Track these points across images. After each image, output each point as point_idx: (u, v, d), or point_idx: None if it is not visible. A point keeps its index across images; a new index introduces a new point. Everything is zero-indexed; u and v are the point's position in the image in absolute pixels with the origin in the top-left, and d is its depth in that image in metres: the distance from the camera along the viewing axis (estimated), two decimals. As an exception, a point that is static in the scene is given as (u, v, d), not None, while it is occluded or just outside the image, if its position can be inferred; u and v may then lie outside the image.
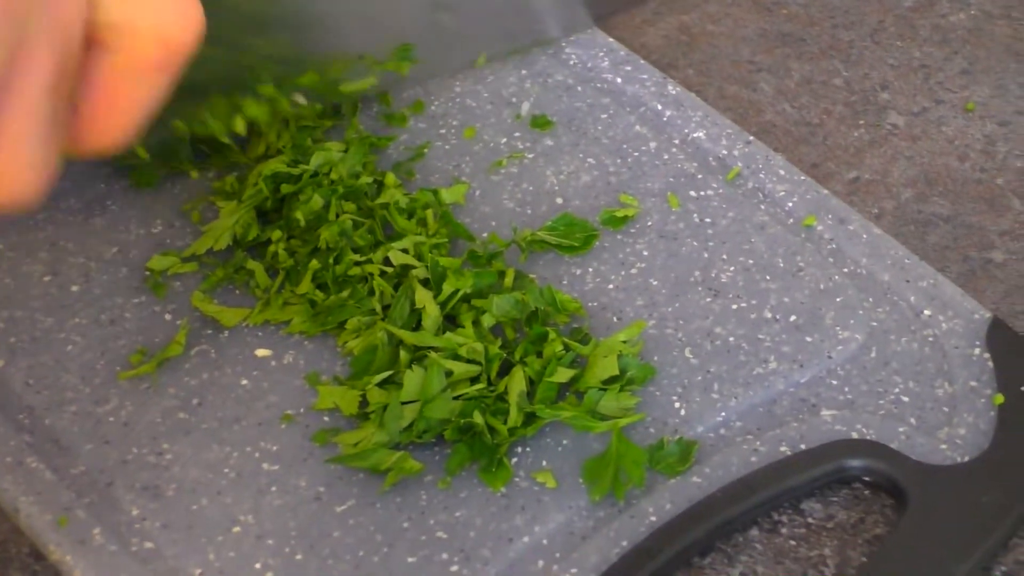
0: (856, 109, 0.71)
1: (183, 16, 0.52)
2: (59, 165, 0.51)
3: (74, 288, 0.62)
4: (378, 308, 0.60)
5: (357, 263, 0.61)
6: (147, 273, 0.63)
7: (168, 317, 0.61)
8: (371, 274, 0.61)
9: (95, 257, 0.63)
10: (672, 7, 0.75)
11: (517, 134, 0.68)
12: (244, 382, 0.59)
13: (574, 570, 0.54)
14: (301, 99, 0.65)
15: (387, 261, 0.61)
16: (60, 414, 0.58)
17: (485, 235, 0.64)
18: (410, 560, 0.54)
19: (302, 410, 0.59)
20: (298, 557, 0.54)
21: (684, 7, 0.76)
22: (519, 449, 0.57)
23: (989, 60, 0.73)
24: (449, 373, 0.57)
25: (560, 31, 0.71)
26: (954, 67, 0.73)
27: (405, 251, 0.61)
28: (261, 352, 0.60)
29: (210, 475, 0.57)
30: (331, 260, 0.61)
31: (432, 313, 0.59)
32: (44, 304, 0.62)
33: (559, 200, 0.65)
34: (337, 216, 0.62)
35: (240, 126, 0.63)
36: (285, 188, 0.62)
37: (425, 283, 0.60)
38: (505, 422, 0.57)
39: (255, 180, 0.63)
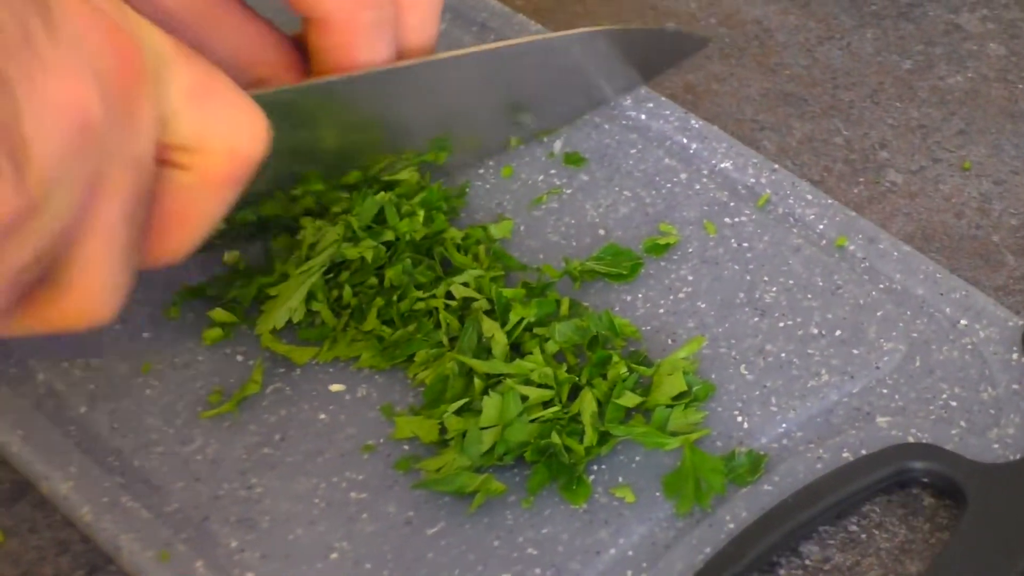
0: (856, 167, 0.74)
1: (251, 129, 0.55)
2: (133, 282, 0.53)
3: (145, 335, 0.64)
4: (445, 340, 0.63)
5: (420, 299, 0.63)
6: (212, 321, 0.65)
7: (240, 358, 0.64)
8: (436, 308, 0.63)
9: (161, 306, 0.65)
10: (677, 67, 0.78)
11: (552, 171, 0.71)
12: (322, 416, 0.62)
13: (662, 578, 0.56)
14: (345, 194, 0.67)
15: (449, 295, 0.64)
16: (148, 455, 0.60)
17: (533, 270, 0.66)
18: (505, 576, 0.57)
19: (381, 440, 0.61)
20: (396, 579, 0.57)
21: (689, 67, 0.79)
22: (594, 467, 0.60)
23: (985, 121, 0.76)
24: (524, 398, 0.60)
25: (613, 94, 0.73)
26: (951, 127, 0.76)
27: (466, 285, 0.64)
28: (335, 387, 0.63)
29: (301, 506, 0.59)
30: (395, 297, 0.63)
31: (501, 342, 0.62)
32: (118, 352, 0.64)
33: (601, 232, 0.68)
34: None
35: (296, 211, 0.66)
36: (348, 251, 0.64)
37: (488, 314, 0.63)
38: (581, 441, 0.59)
39: (309, 252, 0.64)
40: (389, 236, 0.65)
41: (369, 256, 0.63)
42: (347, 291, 0.64)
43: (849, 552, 0.59)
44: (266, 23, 0.64)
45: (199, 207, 0.55)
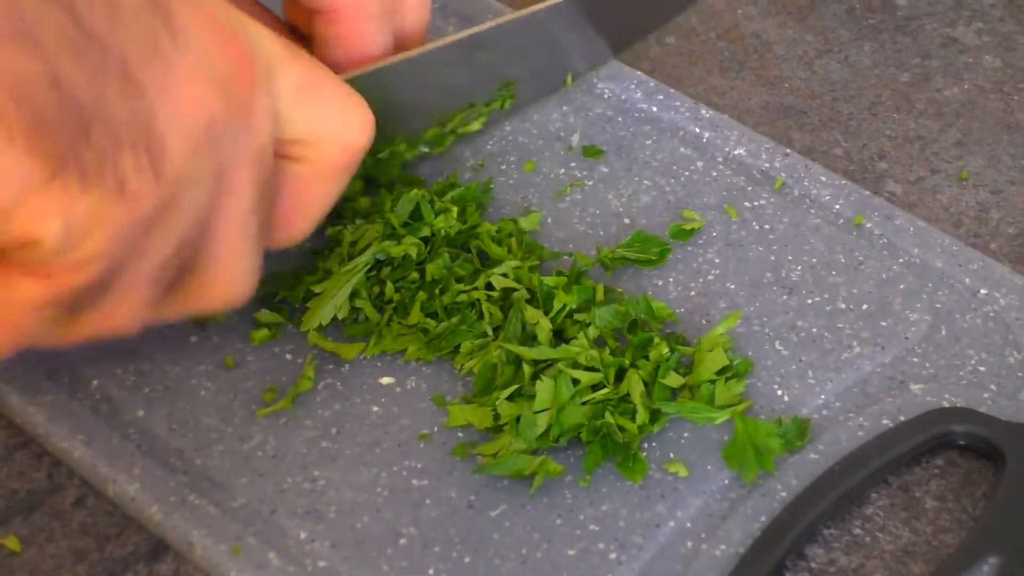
0: (855, 177, 0.75)
1: (359, 120, 0.59)
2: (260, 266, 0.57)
3: (193, 339, 0.66)
4: (489, 330, 0.64)
5: (462, 291, 0.65)
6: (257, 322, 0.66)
7: (288, 356, 0.65)
8: (478, 300, 0.65)
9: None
10: (679, 82, 0.80)
11: (573, 164, 0.73)
12: (375, 408, 0.63)
13: (723, 546, 0.59)
14: (425, 148, 0.70)
15: (489, 286, 0.66)
16: (209, 454, 0.62)
17: (566, 257, 0.68)
18: (571, 552, 0.59)
19: (435, 429, 0.63)
20: (467, 560, 0.58)
21: (691, 81, 0.80)
22: (646, 445, 0.62)
23: (982, 132, 0.77)
24: (576, 381, 0.62)
25: (584, 66, 0.76)
26: (949, 138, 0.77)
27: (505, 276, 0.66)
28: (385, 380, 0.64)
29: (365, 495, 0.60)
30: (437, 291, 0.65)
31: (546, 328, 0.64)
32: (168, 355, 0.65)
33: (626, 220, 0.70)
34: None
35: (388, 173, 0.69)
36: (392, 249, 0.66)
37: (528, 303, 0.65)
38: (633, 420, 0.61)
39: (351, 250, 0.66)
40: (426, 232, 0.66)
41: (412, 253, 0.65)
42: (389, 287, 0.65)
43: (853, 554, 0.60)
44: (269, 11, 0.67)
45: (316, 194, 0.59)
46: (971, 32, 0.83)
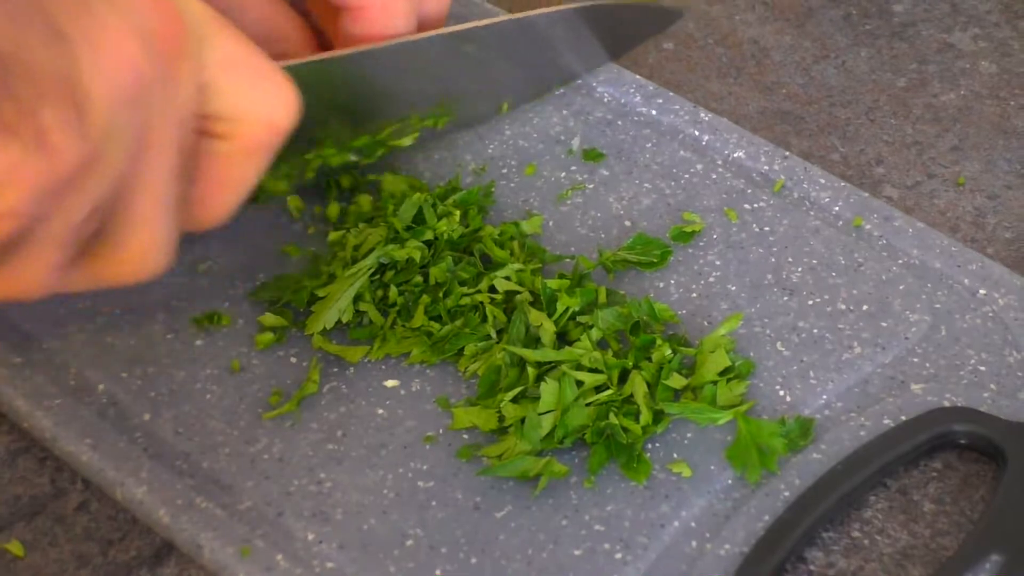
0: (853, 182, 0.75)
1: (284, 100, 0.58)
2: (176, 242, 0.56)
3: (198, 343, 0.66)
4: (493, 333, 0.65)
5: (465, 294, 0.66)
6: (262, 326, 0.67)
7: (293, 360, 0.65)
8: (481, 302, 0.65)
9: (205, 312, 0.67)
10: (677, 87, 0.80)
11: (573, 168, 0.73)
12: (380, 411, 0.64)
13: (727, 546, 0.59)
14: (353, 156, 0.70)
15: (492, 289, 0.66)
16: (215, 457, 0.62)
17: (568, 260, 0.69)
18: (576, 553, 0.59)
19: (440, 431, 0.63)
20: (473, 561, 0.59)
21: (689, 86, 0.81)
22: (649, 446, 0.62)
23: (979, 137, 0.78)
24: (580, 383, 0.62)
25: (582, 68, 0.76)
26: (945, 144, 0.78)
27: (508, 279, 0.66)
28: (390, 383, 0.65)
29: (371, 497, 0.61)
30: (440, 294, 0.66)
31: (549, 331, 0.64)
32: (173, 359, 0.65)
33: (627, 223, 0.71)
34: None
35: (310, 174, 0.69)
36: (397, 252, 0.66)
37: (531, 306, 0.65)
38: (637, 421, 0.62)
39: (355, 254, 0.67)
40: (429, 236, 0.67)
41: (416, 256, 0.65)
42: (393, 291, 0.66)
43: (852, 557, 0.61)
44: (293, 9, 0.67)
45: (237, 173, 0.58)
46: (967, 38, 0.84)
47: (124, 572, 0.61)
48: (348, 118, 0.69)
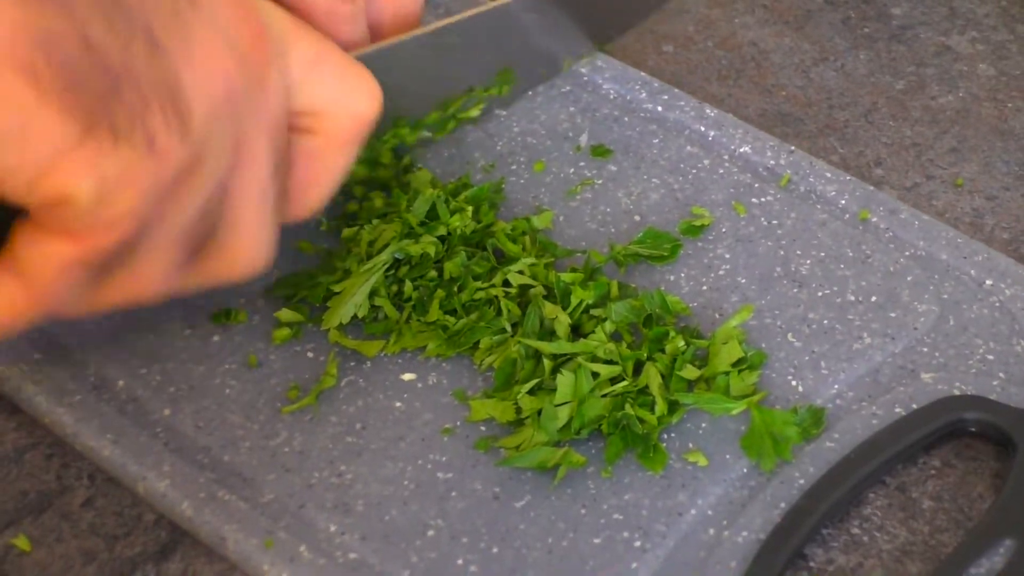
0: None
1: (368, 92, 0.60)
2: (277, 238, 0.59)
3: (215, 339, 0.67)
4: (507, 326, 0.66)
5: (480, 288, 0.66)
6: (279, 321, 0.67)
7: (310, 355, 0.66)
8: (496, 296, 0.66)
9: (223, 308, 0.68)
10: (679, 89, 0.81)
11: (582, 163, 0.74)
12: (397, 404, 0.64)
13: (744, 533, 0.60)
14: (427, 132, 0.72)
15: (506, 283, 0.67)
16: (236, 451, 0.63)
17: (579, 254, 0.69)
18: (596, 541, 0.60)
19: (458, 423, 0.64)
20: (494, 550, 0.59)
21: (689, 89, 0.81)
22: (665, 436, 0.63)
23: (977, 139, 0.79)
24: (595, 375, 0.63)
25: (569, 56, 0.77)
26: (944, 145, 0.79)
27: (521, 273, 0.67)
28: (407, 376, 0.65)
29: (391, 488, 0.61)
30: (455, 289, 0.66)
31: (564, 323, 0.65)
32: (191, 355, 0.66)
33: (636, 218, 0.72)
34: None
35: (387, 156, 0.70)
36: (411, 248, 0.67)
37: (544, 299, 0.66)
38: (653, 412, 0.62)
39: (369, 249, 0.67)
40: (443, 231, 0.68)
41: (431, 251, 0.66)
42: (408, 285, 0.66)
43: (852, 554, 0.62)
44: None
45: (327, 166, 0.61)
46: (965, 41, 0.85)
47: (130, 568, 0.61)
48: (419, 97, 0.71)
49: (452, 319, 0.66)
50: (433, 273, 0.66)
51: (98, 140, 0.49)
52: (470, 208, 0.69)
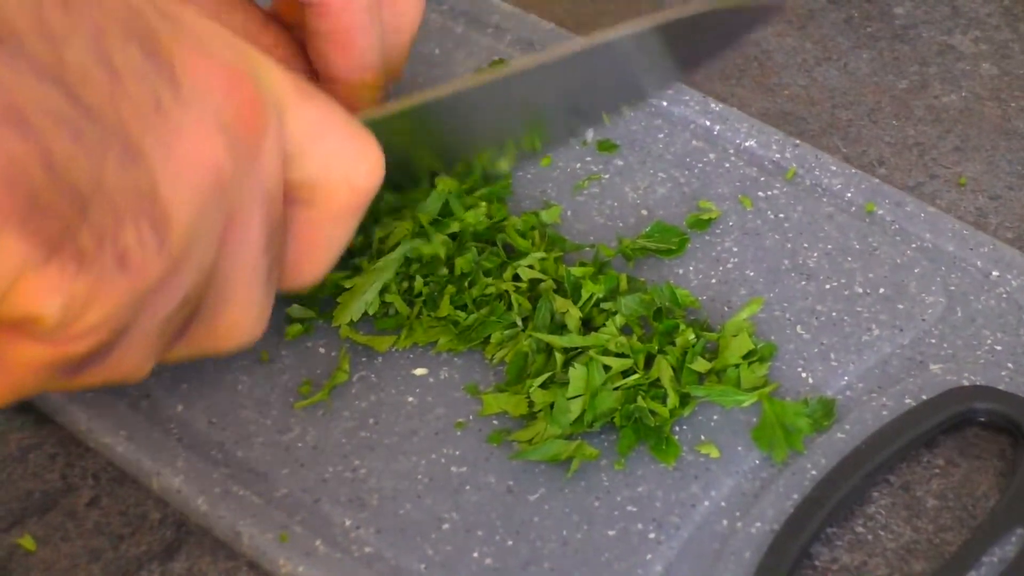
0: None
1: (368, 162, 0.57)
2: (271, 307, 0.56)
3: (226, 334, 0.67)
4: (518, 320, 0.66)
5: (490, 284, 0.67)
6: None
7: (322, 350, 0.66)
8: (507, 291, 0.66)
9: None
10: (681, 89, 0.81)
11: (588, 158, 0.75)
12: (410, 399, 0.65)
13: (757, 524, 0.60)
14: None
15: (516, 278, 0.67)
16: (250, 446, 0.63)
17: (587, 248, 0.70)
18: (610, 533, 0.60)
19: (471, 417, 0.64)
20: (509, 543, 0.60)
21: (692, 87, 0.82)
22: (677, 428, 0.63)
23: (980, 139, 0.79)
24: (607, 368, 0.63)
25: (656, 88, 0.76)
26: (947, 145, 0.79)
27: (531, 267, 0.67)
28: (418, 371, 0.66)
29: (406, 483, 0.62)
30: (466, 284, 0.67)
31: (575, 317, 0.65)
32: (203, 351, 0.66)
33: (644, 211, 0.72)
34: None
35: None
36: (424, 248, 0.67)
37: (555, 293, 0.66)
38: (665, 404, 0.63)
39: (380, 246, 0.68)
40: (455, 228, 0.68)
41: (442, 252, 0.66)
42: (419, 281, 0.67)
43: (856, 552, 0.62)
44: (264, 10, 0.67)
45: (326, 237, 0.58)
46: (968, 40, 0.85)
47: (135, 567, 0.61)
48: (440, 155, 0.69)
49: (463, 314, 0.66)
50: (444, 270, 0.67)
51: (62, 263, 0.46)
52: (484, 205, 0.69)
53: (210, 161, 0.50)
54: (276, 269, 0.57)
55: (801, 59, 0.84)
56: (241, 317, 0.56)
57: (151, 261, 0.48)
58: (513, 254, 0.68)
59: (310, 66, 0.69)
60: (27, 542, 0.62)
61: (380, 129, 0.59)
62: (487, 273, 0.67)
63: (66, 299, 0.47)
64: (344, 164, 0.57)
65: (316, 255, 0.59)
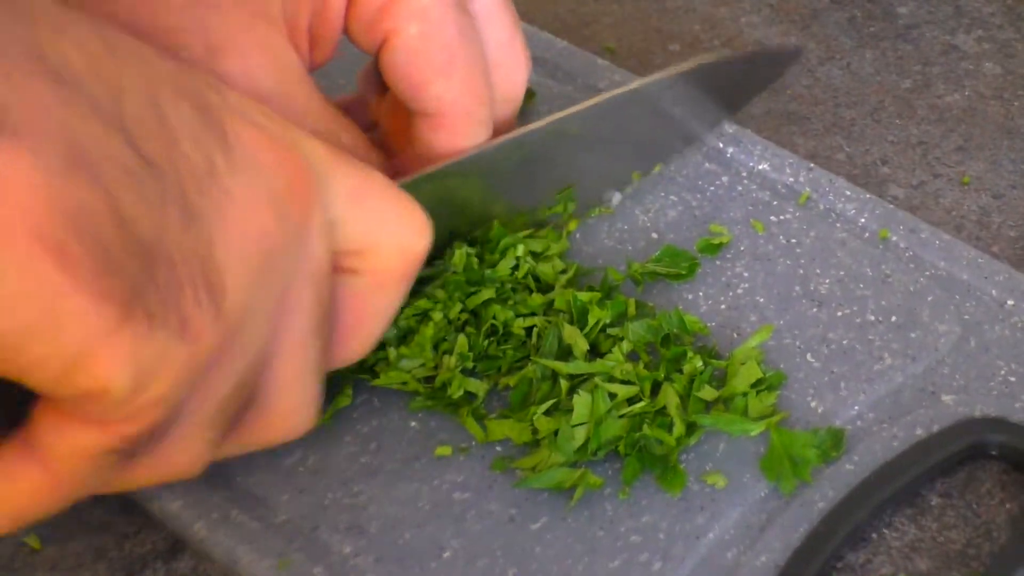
0: (858, 182, 0.76)
1: (415, 227, 0.56)
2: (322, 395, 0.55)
3: (229, 355, 0.66)
4: (532, 348, 0.65)
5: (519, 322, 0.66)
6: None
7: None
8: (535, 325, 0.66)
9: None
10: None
11: (599, 180, 0.74)
12: (412, 424, 0.64)
13: (763, 557, 0.59)
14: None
15: (547, 311, 0.66)
16: (250, 470, 0.62)
17: (596, 272, 0.69)
18: (613, 564, 0.59)
19: (474, 443, 0.63)
20: (510, 573, 0.59)
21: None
22: (683, 457, 0.62)
23: (983, 138, 0.79)
24: (612, 395, 0.62)
25: (705, 129, 0.75)
26: (950, 144, 0.79)
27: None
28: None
29: (407, 509, 0.61)
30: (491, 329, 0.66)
31: (581, 343, 0.64)
32: (205, 373, 0.65)
33: (654, 235, 0.71)
34: None
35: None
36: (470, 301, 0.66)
37: (561, 315, 0.65)
38: (671, 433, 0.62)
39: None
40: (505, 275, 0.67)
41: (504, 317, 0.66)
42: (462, 341, 0.65)
43: (860, 551, 0.61)
44: (334, 101, 0.65)
45: (376, 307, 0.57)
46: (971, 39, 0.84)
47: (140, 565, 0.61)
48: (475, 218, 0.67)
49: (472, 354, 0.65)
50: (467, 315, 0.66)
51: (135, 325, 0.44)
52: (559, 262, 0.67)
53: (260, 231, 0.48)
54: (326, 352, 0.55)
55: (804, 58, 0.84)
56: (292, 404, 0.54)
57: (208, 327, 0.46)
58: (538, 283, 0.67)
59: (382, 157, 0.67)
60: (32, 540, 0.62)
61: (418, 192, 0.58)
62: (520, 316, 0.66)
63: (137, 368, 0.44)
64: (390, 227, 0.55)
65: (364, 329, 0.57)
